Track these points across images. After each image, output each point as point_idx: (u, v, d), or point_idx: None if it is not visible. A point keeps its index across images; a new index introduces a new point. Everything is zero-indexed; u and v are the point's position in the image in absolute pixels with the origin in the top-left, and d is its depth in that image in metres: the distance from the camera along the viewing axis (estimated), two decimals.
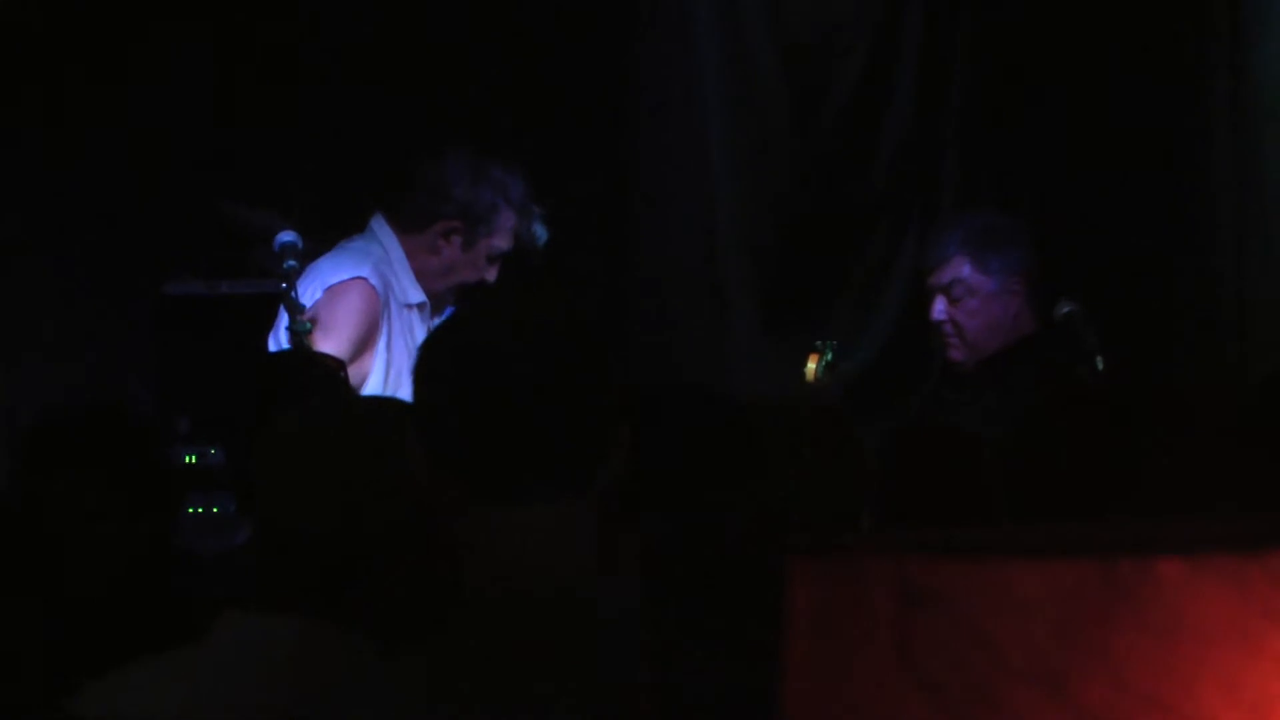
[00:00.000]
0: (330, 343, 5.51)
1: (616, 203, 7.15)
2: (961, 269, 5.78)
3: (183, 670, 2.74)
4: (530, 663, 2.33)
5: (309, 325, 5.36)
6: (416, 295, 5.81)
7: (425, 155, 5.93)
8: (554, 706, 2.29)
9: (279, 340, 5.69)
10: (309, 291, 5.62)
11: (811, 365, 5.48)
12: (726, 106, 7.09)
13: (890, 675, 1.51)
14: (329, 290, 5.68)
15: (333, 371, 4.51)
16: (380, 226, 5.84)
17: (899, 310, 7.08)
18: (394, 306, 5.78)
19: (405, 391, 4.71)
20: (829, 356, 5.65)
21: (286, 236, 5.45)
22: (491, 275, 5.84)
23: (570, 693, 2.31)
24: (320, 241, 5.86)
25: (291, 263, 5.41)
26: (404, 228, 5.81)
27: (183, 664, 2.76)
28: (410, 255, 5.80)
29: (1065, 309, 5.57)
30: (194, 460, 6.23)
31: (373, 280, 5.70)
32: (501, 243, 5.80)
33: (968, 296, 5.76)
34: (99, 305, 6.94)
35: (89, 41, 6.81)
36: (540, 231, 5.83)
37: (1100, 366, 5.43)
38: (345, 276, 5.71)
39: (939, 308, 5.80)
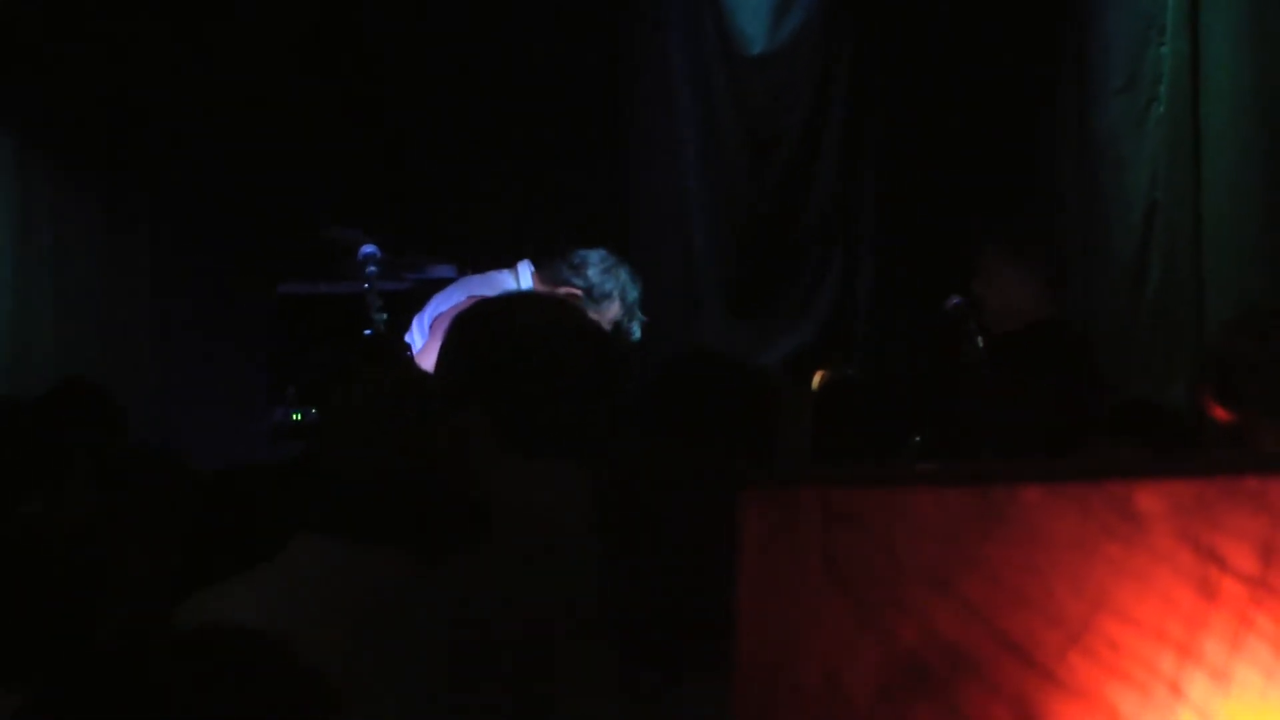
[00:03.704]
0: None
1: (616, 231, 7.18)
2: (992, 262, 5.51)
3: (265, 584, 2.70)
4: (538, 578, 2.30)
5: (385, 316, 5.35)
6: None
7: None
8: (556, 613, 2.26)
9: (422, 325, 5.63)
10: (455, 295, 5.57)
11: (817, 378, 5.28)
12: (699, 158, 7.14)
13: (819, 580, 1.50)
14: (471, 298, 5.65)
15: (399, 351, 4.49)
16: (525, 270, 5.74)
17: (831, 306, 7.11)
18: None
19: None
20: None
21: (368, 249, 5.45)
22: None
23: (569, 605, 2.27)
24: (396, 254, 5.85)
25: (372, 269, 5.41)
26: (541, 280, 5.68)
27: (265, 579, 2.72)
28: None
29: (954, 301, 5.49)
30: (299, 418, 6.21)
31: None
32: (603, 323, 5.68)
33: (994, 281, 5.44)
34: (230, 298, 7.04)
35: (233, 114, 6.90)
36: (635, 330, 5.63)
37: (980, 345, 5.36)
38: (488, 292, 5.65)
39: (975, 291, 5.46)
